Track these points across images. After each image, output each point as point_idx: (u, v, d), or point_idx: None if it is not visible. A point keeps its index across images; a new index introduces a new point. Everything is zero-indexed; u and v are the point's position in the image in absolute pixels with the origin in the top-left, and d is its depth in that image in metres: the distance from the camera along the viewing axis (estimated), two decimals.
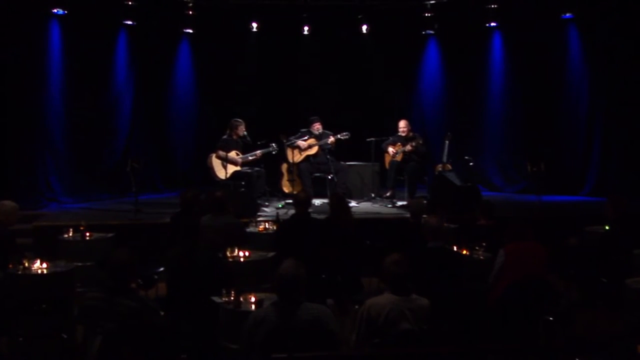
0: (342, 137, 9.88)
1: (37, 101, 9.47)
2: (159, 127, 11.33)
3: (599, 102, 10.47)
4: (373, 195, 10.11)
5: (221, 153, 9.25)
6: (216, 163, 9.34)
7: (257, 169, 9.50)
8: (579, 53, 10.63)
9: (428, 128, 11.64)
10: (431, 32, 11.26)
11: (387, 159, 10.13)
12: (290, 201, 8.52)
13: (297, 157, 9.95)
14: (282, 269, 4.04)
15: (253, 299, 4.75)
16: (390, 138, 10.13)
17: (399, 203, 9.58)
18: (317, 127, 9.99)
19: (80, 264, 6.37)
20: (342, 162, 10.07)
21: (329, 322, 4.01)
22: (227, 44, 11.31)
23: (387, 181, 10.04)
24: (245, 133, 9.46)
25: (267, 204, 9.49)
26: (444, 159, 9.97)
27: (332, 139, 9.84)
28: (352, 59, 11.68)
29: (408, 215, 7.33)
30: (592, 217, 7.59)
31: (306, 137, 9.99)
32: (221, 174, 9.22)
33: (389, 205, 9.63)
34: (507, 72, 11.27)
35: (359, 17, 11.16)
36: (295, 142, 9.94)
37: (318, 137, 9.97)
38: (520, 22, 10.78)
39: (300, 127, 10.15)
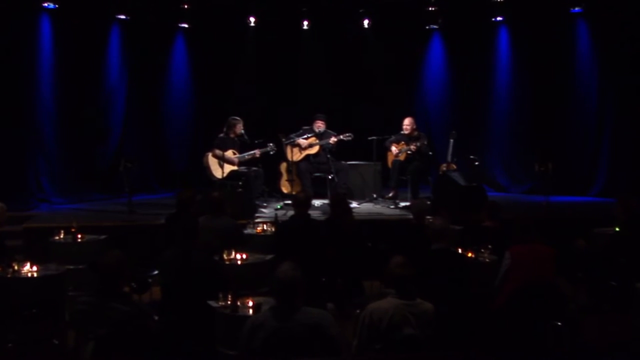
0: (344, 138, 9.76)
1: (27, 98, 9.34)
2: (154, 125, 11.22)
3: (608, 100, 10.37)
4: (375, 195, 10.00)
5: (218, 152, 9.17)
6: (212, 162, 9.26)
7: (254, 168, 9.40)
8: (588, 48, 10.52)
9: (432, 126, 11.56)
10: (435, 27, 11.21)
11: (390, 158, 10.01)
12: (290, 202, 8.41)
13: (297, 155, 9.81)
14: (280, 272, 3.98)
15: (251, 303, 4.71)
16: (394, 136, 10.00)
17: (402, 204, 9.46)
18: (319, 125, 9.85)
19: (71, 266, 6.25)
20: (343, 162, 9.96)
21: (329, 327, 3.94)
22: (223, 39, 11.17)
23: (389, 181, 9.94)
24: (243, 131, 9.35)
25: (265, 204, 9.40)
26: (449, 158, 9.85)
27: (334, 139, 9.69)
28: (353, 54, 11.55)
29: (411, 216, 7.21)
30: (601, 219, 7.49)
31: (307, 136, 9.83)
32: (218, 173, 9.15)
33: (392, 206, 9.53)
34: (513, 68, 11.17)
35: (361, 11, 11.08)
36: (296, 140, 9.78)
37: (319, 136, 9.81)
38: (528, 16, 10.65)
39: (300, 125, 10.01)
